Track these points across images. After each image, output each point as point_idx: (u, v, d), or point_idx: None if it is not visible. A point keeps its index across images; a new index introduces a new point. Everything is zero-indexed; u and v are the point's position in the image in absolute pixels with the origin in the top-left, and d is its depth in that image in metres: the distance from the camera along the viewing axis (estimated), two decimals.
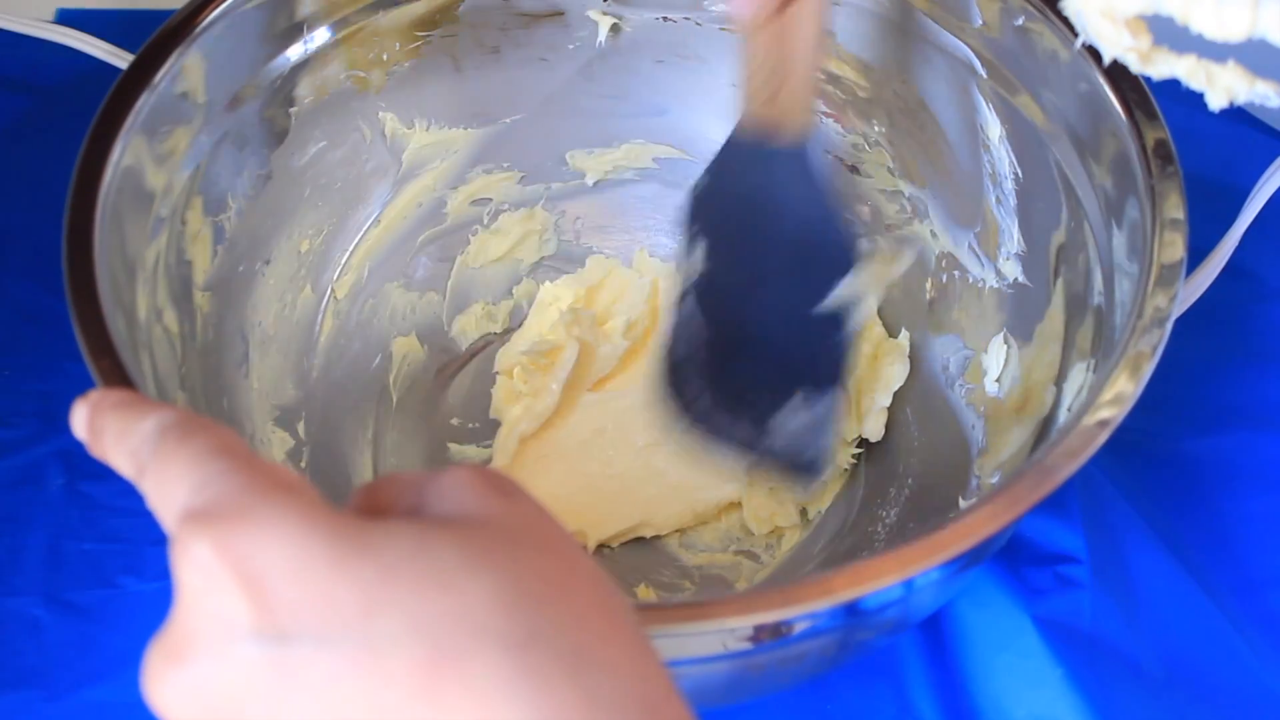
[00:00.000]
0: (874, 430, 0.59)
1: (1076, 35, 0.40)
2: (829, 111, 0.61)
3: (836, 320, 0.52)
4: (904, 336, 0.60)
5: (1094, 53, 0.42)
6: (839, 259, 0.51)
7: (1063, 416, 0.47)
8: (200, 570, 0.25)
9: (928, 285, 0.60)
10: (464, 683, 0.24)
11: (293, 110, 0.56)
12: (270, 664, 0.25)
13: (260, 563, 0.25)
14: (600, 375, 0.62)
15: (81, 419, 0.31)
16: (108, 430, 0.30)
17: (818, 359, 0.53)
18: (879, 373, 0.59)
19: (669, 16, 0.60)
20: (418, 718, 0.24)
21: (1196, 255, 0.59)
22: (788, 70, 0.49)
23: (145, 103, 0.47)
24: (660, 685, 0.26)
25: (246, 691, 0.25)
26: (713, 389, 0.55)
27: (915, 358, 0.60)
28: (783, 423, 0.53)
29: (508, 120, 0.62)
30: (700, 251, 0.54)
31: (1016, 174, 0.54)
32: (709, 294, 0.54)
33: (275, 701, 0.25)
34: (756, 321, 0.54)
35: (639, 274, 0.64)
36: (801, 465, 0.54)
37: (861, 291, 0.52)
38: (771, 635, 0.37)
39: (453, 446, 0.61)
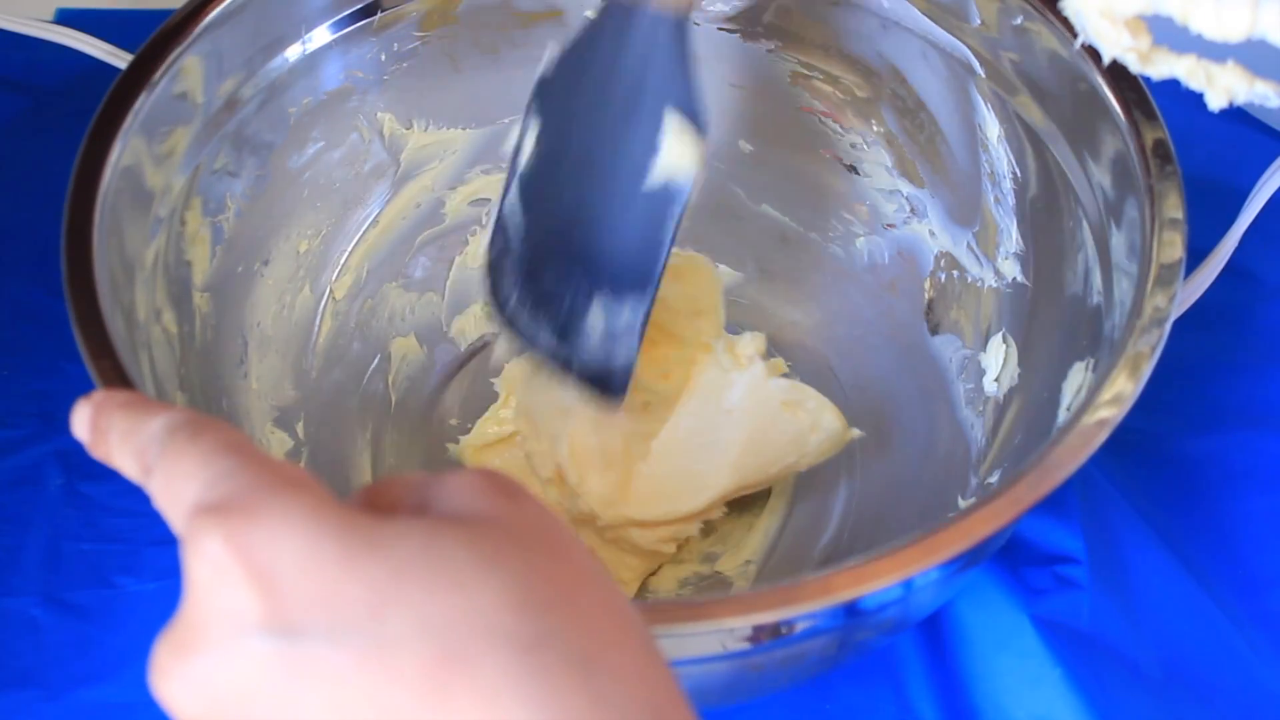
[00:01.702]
0: None
1: (1076, 35, 0.40)
2: (827, 111, 0.61)
3: (658, 213, 0.49)
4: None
5: (1093, 53, 0.42)
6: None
7: (1062, 416, 0.47)
8: (211, 564, 0.25)
9: (926, 285, 0.60)
10: (473, 684, 0.24)
11: (291, 110, 0.56)
12: (279, 659, 0.25)
13: (271, 558, 0.25)
14: None
15: (84, 419, 0.31)
16: (113, 430, 0.30)
17: (634, 256, 0.50)
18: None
19: None
20: (425, 718, 0.24)
21: (1196, 255, 0.59)
22: None
23: (144, 103, 0.47)
24: (668, 690, 0.26)
25: (254, 686, 0.25)
26: (523, 288, 0.51)
27: (914, 358, 0.60)
28: (588, 330, 0.50)
29: (506, 120, 0.62)
30: (532, 138, 0.50)
31: (1015, 173, 0.54)
32: (534, 185, 0.51)
33: (283, 697, 0.25)
34: (577, 212, 0.50)
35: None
36: (602, 381, 0.51)
37: (688, 168, 0.48)
38: (771, 635, 0.37)
39: (451, 447, 0.60)
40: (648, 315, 0.50)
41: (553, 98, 0.50)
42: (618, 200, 0.49)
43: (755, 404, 0.55)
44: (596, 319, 0.50)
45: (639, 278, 0.50)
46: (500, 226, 0.51)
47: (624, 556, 0.55)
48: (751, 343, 0.57)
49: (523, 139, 0.50)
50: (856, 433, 0.56)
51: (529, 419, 0.56)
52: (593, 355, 0.51)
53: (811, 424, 0.55)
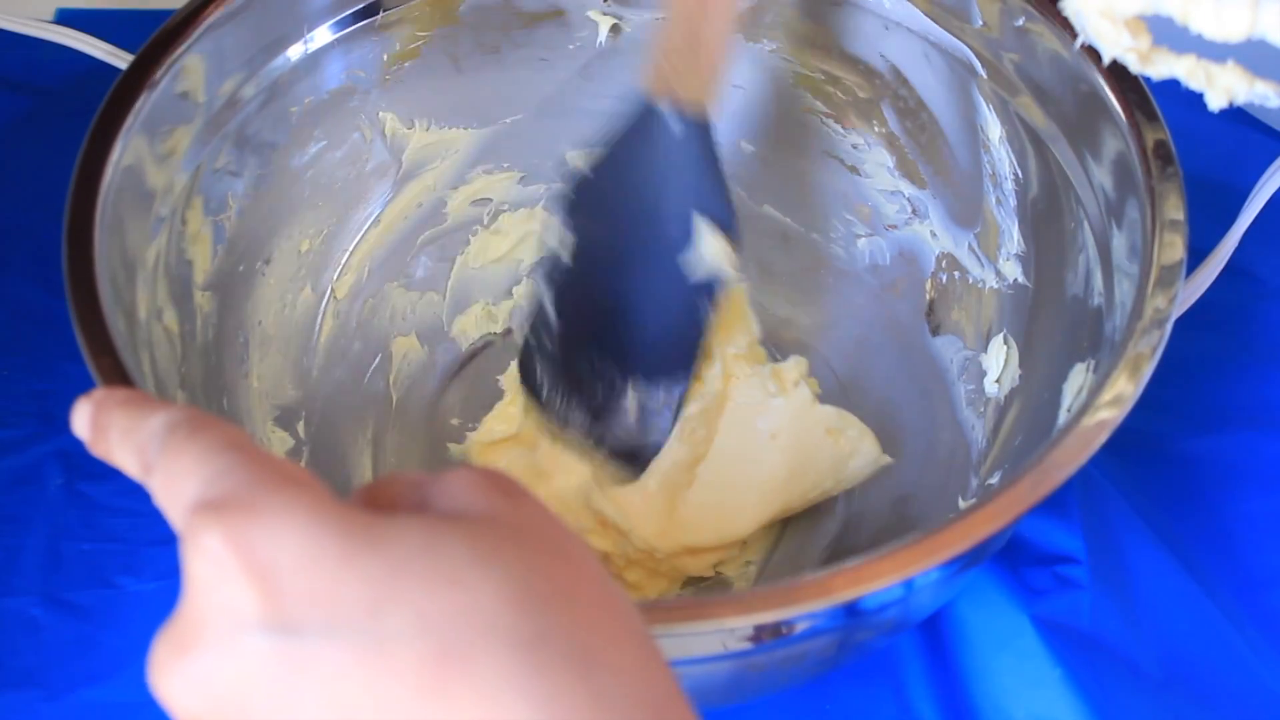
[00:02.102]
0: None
1: (1076, 36, 0.40)
2: (828, 111, 0.61)
3: (693, 305, 0.54)
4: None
5: (1094, 53, 0.42)
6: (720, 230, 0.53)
7: (1062, 417, 0.47)
8: (210, 561, 0.25)
9: (928, 286, 0.60)
10: (471, 680, 0.24)
11: (293, 110, 0.56)
12: (277, 656, 0.25)
13: (270, 555, 0.25)
14: None
15: (84, 416, 0.31)
16: (114, 427, 0.30)
17: (670, 344, 0.55)
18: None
19: None
20: (424, 714, 0.24)
21: (1196, 255, 0.59)
22: (704, 42, 0.51)
23: (145, 102, 0.47)
24: (667, 688, 0.26)
25: (253, 683, 0.25)
26: (557, 378, 0.56)
27: (915, 358, 0.60)
28: (624, 410, 0.55)
29: (508, 120, 0.62)
30: (567, 243, 0.55)
31: (1016, 174, 0.54)
32: (568, 284, 0.55)
33: (281, 694, 0.25)
34: (610, 307, 0.55)
35: None
36: (632, 455, 0.56)
37: (719, 265, 0.53)
38: (771, 635, 0.37)
39: (452, 447, 0.60)
40: (683, 396, 0.55)
41: (585, 202, 0.54)
42: (652, 294, 0.55)
43: (800, 429, 0.55)
44: (632, 401, 0.55)
45: (676, 362, 0.55)
46: (536, 326, 0.56)
47: (655, 580, 0.55)
48: (796, 368, 0.57)
49: (559, 245, 0.55)
50: (889, 459, 0.56)
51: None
52: (627, 432, 0.56)
53: (851, 450, 0.55)
